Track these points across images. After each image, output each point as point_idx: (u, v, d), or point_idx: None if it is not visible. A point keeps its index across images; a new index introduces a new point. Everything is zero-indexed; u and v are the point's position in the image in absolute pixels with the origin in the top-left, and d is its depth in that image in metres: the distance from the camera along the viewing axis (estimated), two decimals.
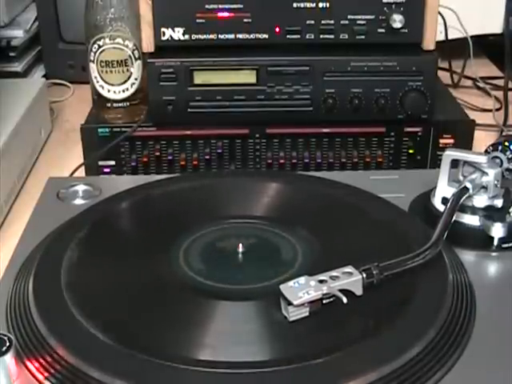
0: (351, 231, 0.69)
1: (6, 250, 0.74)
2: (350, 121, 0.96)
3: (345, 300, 0.55)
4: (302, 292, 0.55)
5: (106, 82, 0.97)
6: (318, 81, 0.94)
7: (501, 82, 1.20)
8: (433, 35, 0.94)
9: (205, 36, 0.93)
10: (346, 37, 0.94)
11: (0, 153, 0.90)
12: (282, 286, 0.56)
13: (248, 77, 0.94)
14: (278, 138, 0.97)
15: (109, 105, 0.99)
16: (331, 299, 0.56)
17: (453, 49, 1.22)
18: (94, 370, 0.50)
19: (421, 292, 0.58)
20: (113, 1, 0.95)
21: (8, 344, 0.51)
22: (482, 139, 1.05)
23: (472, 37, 1.19)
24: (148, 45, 0.94)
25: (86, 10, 0.96)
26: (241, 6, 0.92)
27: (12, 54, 1.26)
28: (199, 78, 0.94)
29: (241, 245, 0.66)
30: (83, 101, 1.14)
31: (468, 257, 0.66)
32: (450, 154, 0.70)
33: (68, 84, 1.30)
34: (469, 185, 0.68)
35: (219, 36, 0.93)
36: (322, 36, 0.93)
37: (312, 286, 0.56)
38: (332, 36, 0.93)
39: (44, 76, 1.30)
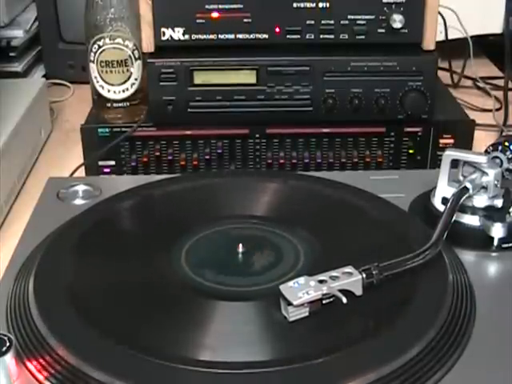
0: (351, 231, 0.69)
1: (6, 250, 0.74)
2: (350, 121, 0.96)
3: (344, 300, 0.55)
4: (301, 292, 0.55)
5: (106, 82, 0.97)
6: (318, 81, 0.94)
7: (501, 82, 1.20)
8: (433, 35, 0.94)
9: (205, 36, 0.93)
10: (346, 37, 0.94)
11: (0, 153, 0.90)
12: (281, 287, 0.56)
13: (248, 77, 0.94)
14: (278, 138, 0.97)
15: (109, 105, 0.99)
16: (331, 299, 0.56)
17: (453, 49, 1.22)
18: (94, 370, 0.50)
19: (421, 292, 0.58)
20: (113, 1, 0.95)
21: (8, 344, 0.51)
22: (482, 139, 1.05)
23: (472, 37, 1.19)
24: (148, 45, 0.94)
25: (86, 10, 0.96)
26: (241, 6, 0.92)
27: (12, 54, 1.26)
28: (199, 78, 0.94)
29: (241, 245, 0.66)
30: (83, 101, 1.13)
31: (468, 257, 0.66)
32: (449, 154, 0.70)
33: (68, 84, 1.30)
34: (469, 185, 0.68)
35: (219, 36, 0.93)
36: (322, 36, 0.93)
37: (312, 286, 0.56)
38: (332, 36, 0.93)
39: (44, 76, 1.30)
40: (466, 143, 0.97)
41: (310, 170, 0.97)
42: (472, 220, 0.69)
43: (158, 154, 0.97)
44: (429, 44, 0.94)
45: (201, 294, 0.60)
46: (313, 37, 0.94)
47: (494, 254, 0.67)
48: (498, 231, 0.67)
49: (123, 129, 0.96)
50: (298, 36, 0.93)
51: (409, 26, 0.93)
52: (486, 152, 0.91)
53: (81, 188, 0.79)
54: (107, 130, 0.96)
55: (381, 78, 0.94)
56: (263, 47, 0.94)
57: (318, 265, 0.61)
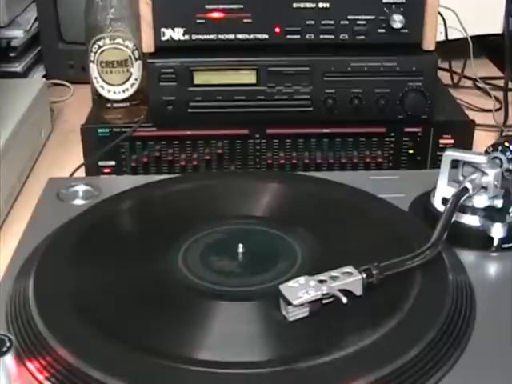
0: (351, 231, 0.69)
1: (6, 250, 0.74)
2: (350, 121, 0.96)
3: (344, 300, 0.55)
4: (301, 292, 0.55)
5: (106, 83, 0.97)
6: (318, 81, 0.94)
7: (501, 82, 1.20)
8: (433, 35, 0.94)
9: (205, 36, 0.93)
10: (346, 37, 0.94)
11: (0, 153, 0.90)
12: (281, 286, 0.56)
13: (248, 77, 0.94)
14: (278, 138, 0.97)
15: (109, 105, 0.98)
16: (331, 299, 0.56)
17: (453, 49, 1.22)
18: (94, 370, 0.51)
19: (421, 292, 0.58)
20: (113, 1, 0.95)
21: (8, 344, 0.51)
22: (482, 139, 1.05)
23: (472, 37, 1.19)
24: (148, 45, 0.94)
25: (86, 10, 0.96)
26: (241, 6, 0.92)
27: (12, 55, 1.26)
28: (199, 78, 0.94)
29: (241, 245, 0.66)
30: (83, 101, 1.13)
31: (468, 257, 0.66)
32: (450, 154, 0.70)
33: (68, 84, 1.30)
34: (469, 185, 0.68)
35: (219, 36, 0.93)
36: (322, 36, 0.93)
37: (312, 285, 0.56)
38: (332, 36, 0.93)
39: (44, 76, 1.30)
40: (466, 143, 0.97)
41: (310, 170, 0.97)
42: (472, 220, 0.69)
43: (157, 154, 0.97)
44: (429, 44, 0.94)
45: (201, 294, 0.60)
46: (313, 37, 0.94)
47: (493, 254, 0.67)
48: (497, 231, 0.67)
49: (123, 129, 0.96)
50: (298, 36, 0.93)
51: (409, 27, 0.92)
52: (486, 152, 0.91)
53: (81, 188, 0.79)
54: (107, 130, 0.96)
55: (381, 78, 0.94)
56: (263, 47, 0.94)
57: (318, 265, 0.61)
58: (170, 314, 0.58)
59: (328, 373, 0.51)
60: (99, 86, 0.98)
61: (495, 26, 1.31)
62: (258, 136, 0.97)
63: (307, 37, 0.94)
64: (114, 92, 0.98)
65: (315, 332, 0.55)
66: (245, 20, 0.93)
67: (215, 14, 0.92)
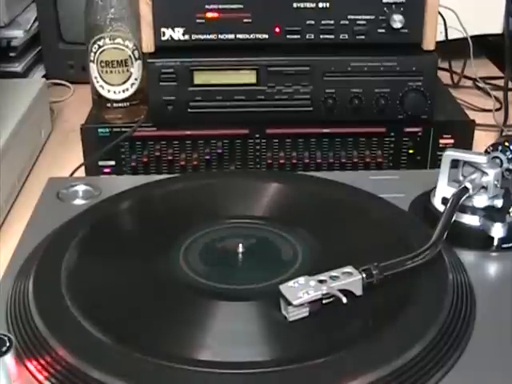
0: (351, 231, 0.69)
1: (6, 250, 0.74)
2: (350, 121, 0.96)
3: (344, 300, 0.55)
4: (301, 292, 0.55)
5: (106, 82, 0.97)
6: (318, 81, 0.94)
7: (501, 82, 1.20)
8: (433, 35, 0.94)
9: (205, 36, 0.93)
10: (346, 37, 0.94)
11: (0, 153, 0.90)
12: (281, 286, 0.56)
13: (248, 77, 0.94)
14: (278, 138, 0.97)
15: (109, 105, 0.98)
16: (331, 299, 0.56)
17: (453, 49, 1.22)
18: (94, 370, 0.51)
19: (421, 292, 0.58)
20: (113, 1, 0.95)
21: (8, 344, 0.51)
22: (482, 139, 1.05)
23: (472, 37, 1.19)
24: (148, 45, 0.94)
25: (86, 10, 0.96)
26: (241, 6, 0.92)
27: (12, 54, 1.26)
28: (199, 78, 0.94)
29: (241, 245, 0.66)
30: (83, 101, 1.13)
31: (468, 257, 0.66)
32: (449, 154, 0.70)
33: (68, 84, 1.30)
34: (469, 185, 0.68)
35: (219, 36, 0.93)
36: (322, 36, 0.93)
37: (312, 285, 0.56)
38: (332, 36, 0.93)
39: (44, 76, 1.30)
40: (466, 143, 0.97)
41: (310, 170, 0.97)
42: (472, 220, 0.69)
43: (158, 154, 0.97)
44: (429, 44, 0.94)
45: (200, 293, 0.60)
46: (313, 37, 0.94)
47: (493, 254, 0.67)
48: (497, 231, 0.67)
49: (123, 129, 0.96)
50: (298, 36, 0.93)
51: (409, 26, 0.92)
52: (486, 152, 0.91)
53: (81, 188, 0.79)
54: (107, 129, 0.96)
55: (381, 78, 0.94)
56: (263, 47, 0.94)
57: (318, 265, 0.61)
58: (171, 313, 0.58)
59: (328, 373, 0.51)
60: (99, 85, 0.98)
61: (495, 26, 1.31)
62: (257, 136, 0.97)
63: (307, 37, 0.94)
64: (114, 92, 0.98)
65: (315, 332, 0.55)
66: (245, 20, 0.93)
67: (215, 14, 0.92)
